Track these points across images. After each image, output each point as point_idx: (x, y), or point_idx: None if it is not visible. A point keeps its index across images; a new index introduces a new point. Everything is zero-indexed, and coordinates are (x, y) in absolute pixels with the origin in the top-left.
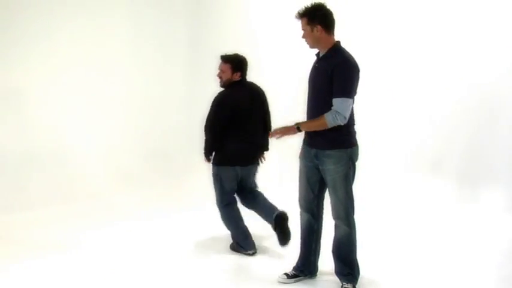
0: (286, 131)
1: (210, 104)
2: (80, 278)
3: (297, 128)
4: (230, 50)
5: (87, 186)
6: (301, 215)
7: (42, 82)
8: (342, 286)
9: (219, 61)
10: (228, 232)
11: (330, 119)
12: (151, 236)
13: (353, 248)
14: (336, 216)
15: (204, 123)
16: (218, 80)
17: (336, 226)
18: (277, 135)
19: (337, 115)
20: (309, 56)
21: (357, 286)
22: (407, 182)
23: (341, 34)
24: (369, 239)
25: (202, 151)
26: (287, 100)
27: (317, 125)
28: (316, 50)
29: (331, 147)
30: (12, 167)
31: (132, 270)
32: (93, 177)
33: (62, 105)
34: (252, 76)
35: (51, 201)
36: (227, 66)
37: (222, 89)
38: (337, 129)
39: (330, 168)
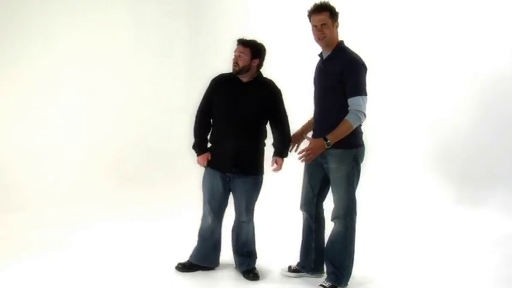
0: (317, 149)
1: (278, 98)
2: (80, 277)
3: (328, 143)
4: (230, 49)
5: (87, 185)
6: (302, 213)
7: (42, 81)
8: (320, 284)
9: (235, 45)
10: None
11: (354, 119)
12: (150, 235)
13: (345, 249)
14: (334, 215)
15: (285, 120)
16: (233, 66)
17: (318, 226)
18: (309, 157)
19: (359, 114)
20: (310, 55)
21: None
22: (408, 182)
23: (346, 34)
24: (367, 239)
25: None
26: (289, 100)
27: (344, 131)
28: (318, 51)
29: (335, 146)
30: (11, 166)
31: (130, 270)
32: (93, 177)
33: (61, 104)
34: None
35: (51, 200)
36: (247, 50)
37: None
38: None
39: (333, 167)
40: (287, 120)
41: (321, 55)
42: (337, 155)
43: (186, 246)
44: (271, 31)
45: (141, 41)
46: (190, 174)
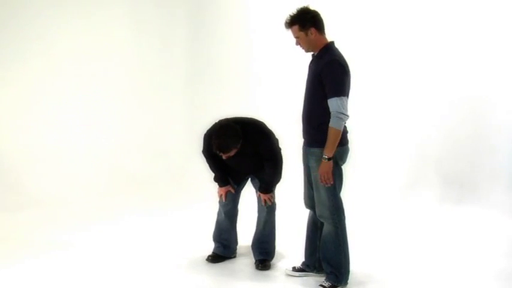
0: (325, 170)
1: (263, 137)
2: (80, 277)
3: (327, 159)
4: (230, 49)
5: (88, 185)
6: (309, 211)
7: (42, 81)
8: (319, 284)
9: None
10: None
11: (337, 123)
12: (151, 235)
13: (339, 248)
14: (319, 214)
15: (275, 156)
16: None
17: (322, 224)
18: (327, 180)
19: (339, 115)
20: (310, 55)
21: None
22: (404, 182)
23: (336, 35)
24: (365, 240)
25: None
26: (287, 102)
27: (334, 138)
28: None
29: (315, 145)
30: (12, 166)
31: (131, 269)
32: (93, 177)
33: (62, 104)
34: (251, 77)
35: (51, 200)
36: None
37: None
38: (323, 128)
39: (312, 166)
40: (279, 156)
41: (313, 54)
42: (315, 154)
43: (188, 244)
44: (270, 31)
45: (141, 41)
46: (192, 174)
